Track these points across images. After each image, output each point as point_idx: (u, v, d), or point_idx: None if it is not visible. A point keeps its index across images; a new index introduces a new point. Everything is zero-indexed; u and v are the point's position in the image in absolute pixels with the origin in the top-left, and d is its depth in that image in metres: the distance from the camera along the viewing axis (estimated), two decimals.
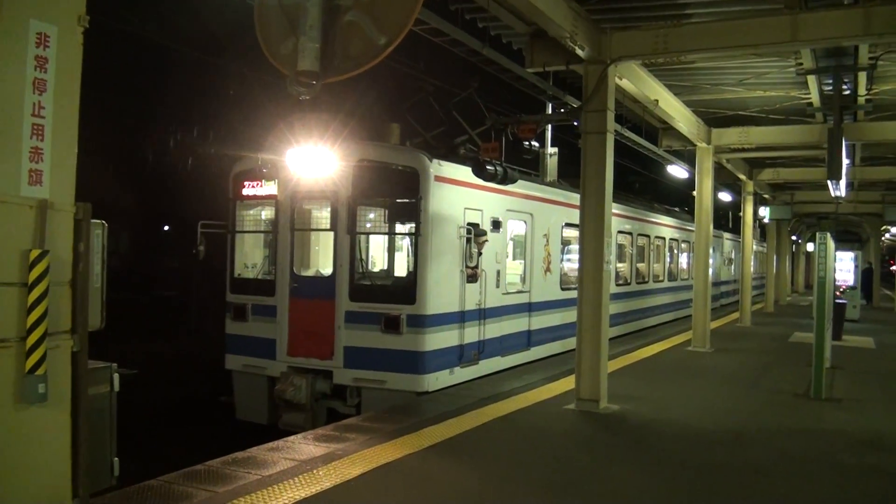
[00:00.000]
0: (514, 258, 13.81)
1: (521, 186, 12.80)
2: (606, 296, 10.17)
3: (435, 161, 10.80)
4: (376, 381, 10.59)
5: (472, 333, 11.56)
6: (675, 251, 24.48)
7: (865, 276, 33.57)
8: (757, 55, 11.56)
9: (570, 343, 13.22)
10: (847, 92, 13.41)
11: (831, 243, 12.47)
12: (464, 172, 11.27)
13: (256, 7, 6.33)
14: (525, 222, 13.53)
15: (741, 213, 24.76)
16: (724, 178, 24.28)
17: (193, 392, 15.39)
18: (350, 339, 10.76)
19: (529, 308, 13.50)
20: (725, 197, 28.83)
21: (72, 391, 4.89)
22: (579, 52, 9.82)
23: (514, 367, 12.82)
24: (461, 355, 11.30)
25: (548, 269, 14.24)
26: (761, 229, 35.11)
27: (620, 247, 19.15)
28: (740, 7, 10.05)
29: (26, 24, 4.56)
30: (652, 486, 6.95)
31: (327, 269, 11.46)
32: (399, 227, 11.38)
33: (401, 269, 11.76)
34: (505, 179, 11.55)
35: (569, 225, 14.78)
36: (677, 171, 22.31)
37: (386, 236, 12.05)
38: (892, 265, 53.79)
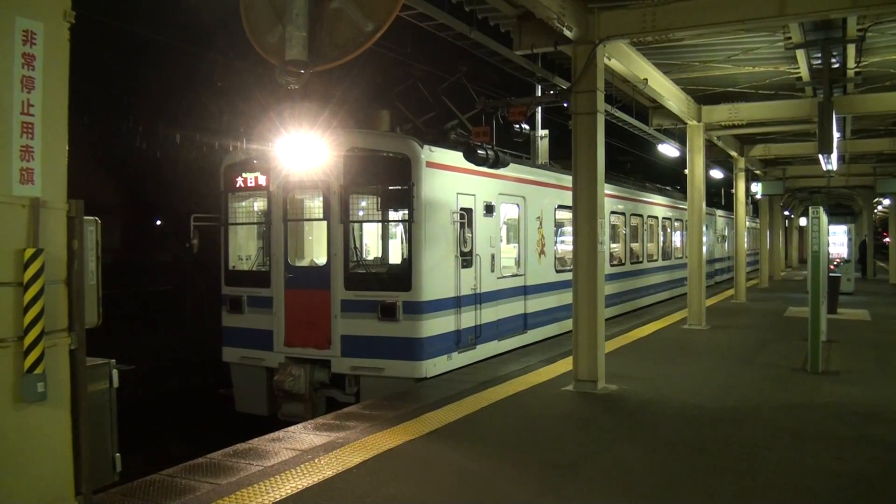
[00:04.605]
0: (508, 242, 13.82)
1: (512, 170, 12.79)
2: (601, 276, 10.18)
3: (426, 147, 10.78)
4: (374, 368, 10.61)
5: (468, 318, 11.58)
6: (669, 230, 24.50)
7: (861, 249, 33.72)
8: (745, 30, 11.53)
9: (567, 325, 13.24)
10: (836, 65, 13.40)
11: (824, 217, 12.50)
12: (455, 157, 11.26)
13: None
14: (518, 206, 13.53)
15: (733, 190, 24.77)
16: (715, 156, 24.28)
17: (192, 386, 15.39)
18: (347, 327, 10.77)
19: (525, 291, 13.52)
20: (717, 174, 28.84)
21: (71, 389, 4.89)
22: (567, 32, 9.78)
23: (512, 351, 12.85)
24: (458, 340, 11.32)
25: (542, 252, 14.25)
26: (754, 205, 35.17)
27: (614, 227, 19.16)
28: None
29: (12, 21, 4.52)
30: (652, 464, 6.99)
31: (322, 259, 11.45)
32: (392, 215, 11.37)
33: (395, 257, 11.77)
34: (496, 163, 11.55)
35: (562, 207, 14.78)
36: (668, 149, 22.29)
37: (379, 224, 12.03)
38: (885, 237, 53.91)
